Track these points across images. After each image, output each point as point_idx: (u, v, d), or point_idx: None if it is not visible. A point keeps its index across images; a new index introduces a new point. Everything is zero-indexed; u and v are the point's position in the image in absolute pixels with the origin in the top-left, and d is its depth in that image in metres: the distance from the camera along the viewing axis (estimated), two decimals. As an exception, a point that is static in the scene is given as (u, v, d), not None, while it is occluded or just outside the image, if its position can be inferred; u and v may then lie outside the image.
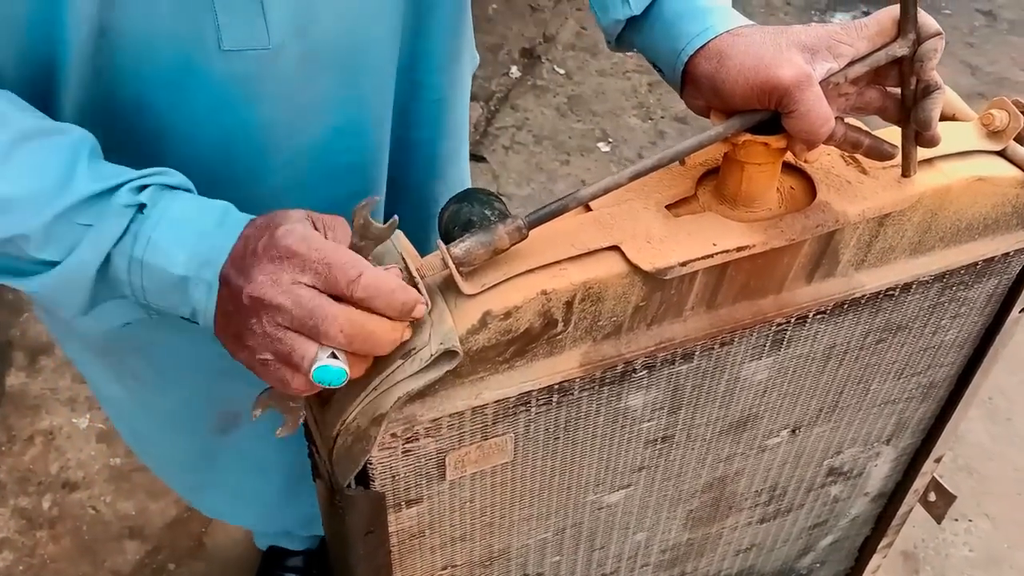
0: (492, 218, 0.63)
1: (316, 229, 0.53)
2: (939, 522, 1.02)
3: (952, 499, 0.99)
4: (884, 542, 1.09)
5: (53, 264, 0.54)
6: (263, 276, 0.50)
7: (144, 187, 0.55)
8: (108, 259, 0.54)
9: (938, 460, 0.97)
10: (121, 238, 0.54)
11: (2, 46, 0.57)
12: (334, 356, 0.50)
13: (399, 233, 0.58)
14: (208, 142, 0.66)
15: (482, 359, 0.58)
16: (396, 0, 0.69)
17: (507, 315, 0.55)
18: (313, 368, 0.50)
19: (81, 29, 0.56)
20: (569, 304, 0.57)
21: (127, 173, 0.55)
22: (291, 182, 0.72)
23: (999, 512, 1.62)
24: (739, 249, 0.57)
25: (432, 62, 0.78)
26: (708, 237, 0.57)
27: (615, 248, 0.57)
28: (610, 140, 2.40)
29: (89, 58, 0.59)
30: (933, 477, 1.00)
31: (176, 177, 0.57)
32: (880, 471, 0.97)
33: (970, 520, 1.62)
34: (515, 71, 2.54)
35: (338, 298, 0.51)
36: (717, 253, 0.56)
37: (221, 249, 0.53)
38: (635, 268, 0.56)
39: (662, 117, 2.49)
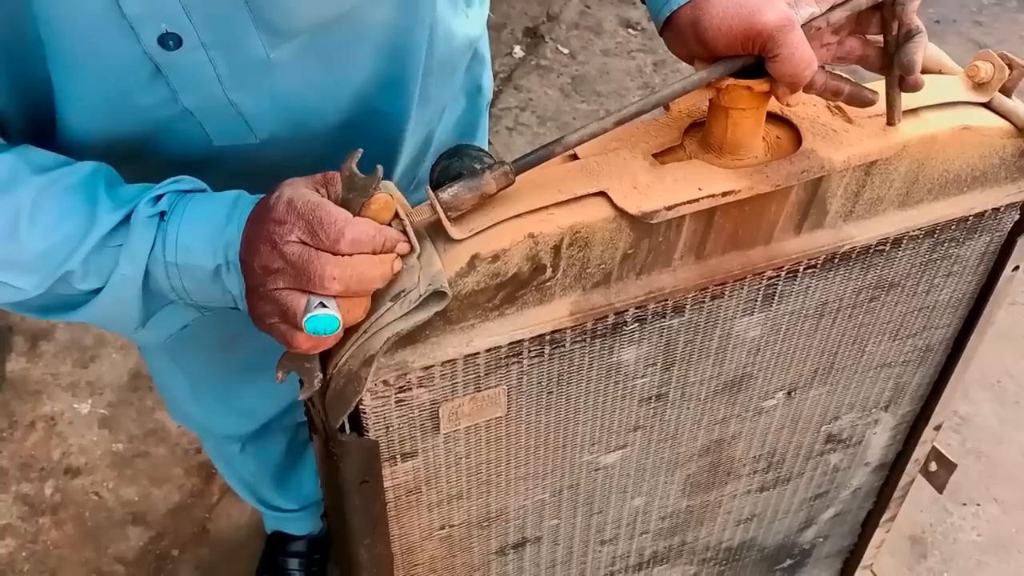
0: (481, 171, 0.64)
1: (312, 183, 0.55)
2: (940, 492, 1.02)
3: (953, 467, 0.99)
4: (887, 515, 1.09)
5: (96, 291, 0.59)
6: (261, 244, 0.53)
7: (160, 196, 0.58)
8: (147, 271, 0.58)
9: (937, 428, 0.97)
10: (152, 248, 0.58)
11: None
12: (323, 305, 0.51)
13: (389, 183, 0.59)
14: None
15: (472, 304, 0.58)
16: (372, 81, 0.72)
17: (495, 258, 0.56)
18: (304, 320, 0.52)
19: None
20: (557, 248, 0.58)
21: (143, 192, 0.59)
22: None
23: (1008, 496, 1.62)
24: (725, 194, 0.58)
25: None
26: (694, 182, 0.58)
27: (602, 194, 0.57)
28: (614, 123, 2.39)
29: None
30: (933, 446, 1.00)
31: (189, 182, 0.60)
32: (880, 439, 0.97)
33: (978, 504, 1.61)
34: (518, 51, 2.54)
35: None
36: (703, 198, 0.57)
37: (237, 231, 0.56)
38: (622, 212, 0.57)
39: (667, 99, 2.48)
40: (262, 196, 0.58)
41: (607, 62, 2.53)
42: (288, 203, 0.53)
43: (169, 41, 0.57)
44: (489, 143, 2.30)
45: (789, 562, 1.13)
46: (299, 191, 0.54)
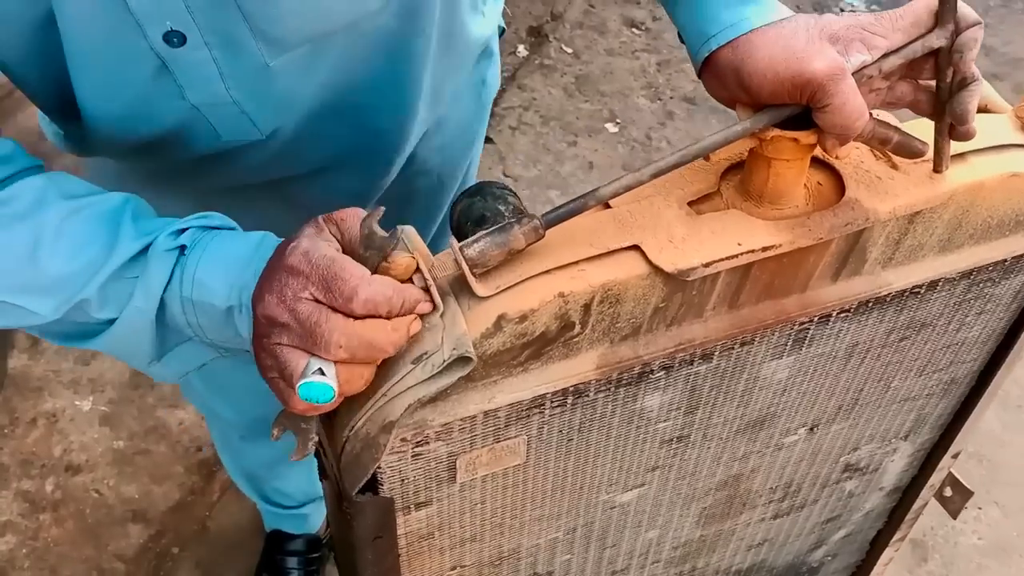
0: (506, 214, 0.61)
1: (328, 232, 0.52)
2: (954, 517, 1.00)
3: (969, 495, 0.97)
4: (897, 535, 1.07)
5: (111, 321, 0.57)
6: (270, 295, 0.50)
7: (183, 230, 0.56)
8: (163, 304, 0.56)
9: (955, 456, 0.95)
10: (169, 282, 0.56)
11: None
12: (321, 372, 0.48)
13: (411, 231, 0.56)
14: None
15: (496, 363, 0.56)
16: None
17: (523, 318, 0.53)
18: (299, 384, 0.49)
19: None
20: (587, 306, 0.55)
21: (168, 225, 0.57)
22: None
23: (1009, 500, 1.61)
24: (765, 249, 0.55)
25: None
26: (732, 236, 0.55)
27: (635, 248, 0.54)
28: (618, 121, 2.36)
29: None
30: (950, 472, 0.98)
31: (216, 219, 0.58)
32: (896, 466, 0.95)
33: (979, 508, 1.61)
34: (522, 50, 2.50)
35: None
36: (742, 253, 0.54)
37: (254, 276, 0.53)
38: (656, 269, 0.54)
39: (671, 97, 2.45)
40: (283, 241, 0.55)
41: (611, 62, 2.48)
42: (304, 254, 0.50)
43: (174, 38, 0.57)
44: (490, 140, 2.26)
45: (797, 579, 1.12)
46: (316, 244, 0.51)
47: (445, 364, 0.51)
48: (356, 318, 0.49)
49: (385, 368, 0.53)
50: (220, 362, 0.97)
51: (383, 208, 0.50)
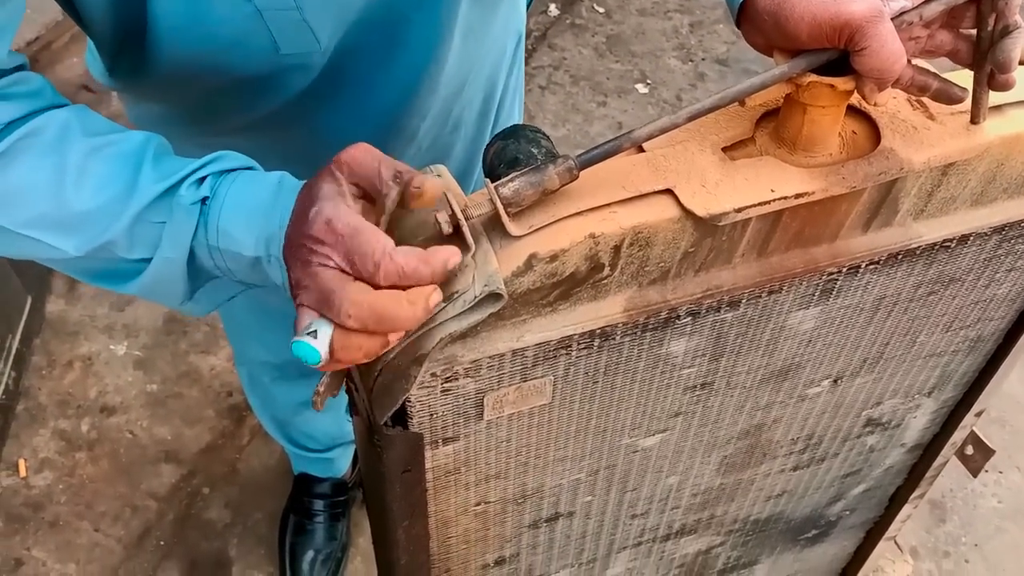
0: (539, 156, 0.61)
1: (347, 186, 0.52)
2: (975, 476, 1.01)
3: (990, 453, 0.98)
4: (917, 492, 1.08)
5: (146, 261, 0.58)
6: (298, 261, 0.51)
7: (203, 178, 0.57)
8: (192, 252, 0.58)
9: (979, 414, 0.95)
10: (195, 232, 0.57)
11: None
12: (313, 335, 0.49)
13: (444, 170, 0.57)
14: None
15: (525, 302, 0.57)
16: None
17: (553, 258, 0.54)
18: (292, 340, 0.50)
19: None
20: (617, 248, 0.56)
21: (187, 166, 0.57)
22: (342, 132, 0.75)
23: (1030, 465, 1.61)
24: (797, 196, 0.55)
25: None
26: (765, 182, 0.55)
27: (668, 192, 0.55)
28: (648, 82, 2.34)
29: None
30: (972, 430, 0.98)
31: (232, 160, 0.59)
32: (919, 422, 0.96)
33: (1000, 472, 1.61)
34: (553, 9, 2.47)
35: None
36: (774, 200, 0.54)
37: (280, 225, 0.54)
38: (688, 213, 0.54)
39: (703, 59, 2.42)
40: (304, 184, 0.55)
41: (643, 22, 2.45)
42: (327, 223, 0.50)
43: None
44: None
45: (814, 532, 1.13)
46: (339, 209, 0.50)
47: (476, 300, 0.52)
48: (382, 287, 0.49)
49: (418, 303, 0.54)
50: (252, 304, 0.99)
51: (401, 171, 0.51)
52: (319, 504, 1.47)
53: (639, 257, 0.57)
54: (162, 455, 1.53)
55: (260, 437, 1.56)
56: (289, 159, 0.78)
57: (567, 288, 0.57)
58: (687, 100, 2.29)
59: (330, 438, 1.40)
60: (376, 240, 0.49)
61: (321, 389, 0.54)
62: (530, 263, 0.54)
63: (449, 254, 0.50)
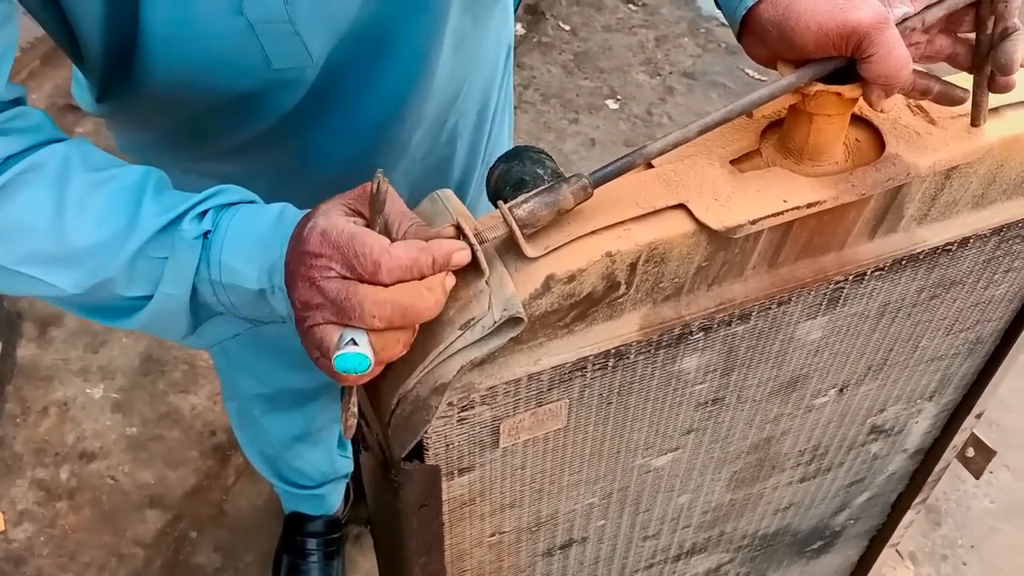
0: (545, 177, 0.60)
1: (345, 206, 0.52)
2: (977, 477, 1.01)
3: (992, 455, 0.98)
4: (919, 498, 1.08)
5: (145, 299, 0.57)
6: (300, 281, 0.50)
7: (205, 212, 0.56)
8: (194, 288, 0.56)
9: (979, 416, 0.96)
10: (197, 268, 0.56)
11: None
12: (354, 343, 0.48)
13: (450, 194, 0.56)
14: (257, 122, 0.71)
15: (543, 324, 0.56)
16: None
17: (571, 279, 0.53)
18: (333, 357, 0.49)
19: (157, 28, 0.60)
20: (633, 266, 0.55)
21: (188, 199, 0.56)
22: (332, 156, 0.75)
23: (1020, 463, 1.63)
24: (810, 205, 0.55)
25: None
26: (777, 193, 0.55)
27: (681, 206, 0.54)
28: (618, 97, 2.36)
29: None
30: (972, 433, 0.99)
31: (233, 193, 0.58)
32: (920, 427, 0.96)
33: (991, 472, 1.62)
34: (519, 28, 2.49)
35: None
36: (788, 210, 0.54)
37: (281, 254, 0.53)
38: (702, 227, 0.54)
39: (670, 72, 2.45)
40: (304, 214, 0.55)
41: (609, 38, 2.48)
42: (322, 235, 0.50)
43: None
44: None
45: (819, 543, 1.13)
46: (333, 220, 0.51)
47: (496, 326, 0.51)
48: (387, 286, 0.49)
49: (434, 335, 0.53)
50: (245, 334, 0.97)
51: (381, 170, 0.50)
52: (312, 543, 1.44)
53: (654, 274, 0.56)
54: (146, 500, 1.49)
55: (247, 476, 1.53)
56: (280, 181, 0.76)
57: (584, 308, 0.56)
58: (658, 114, 2.31)
59: (321, 474, 1.37)
60: (372, 240, 0.49)
61: (348, 415, 0.52)
62: (548, 285, 0.53)
63: (454, 247, 0.50)
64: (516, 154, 0.62)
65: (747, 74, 2.43)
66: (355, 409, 0.52)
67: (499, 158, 0.63)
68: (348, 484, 1.49)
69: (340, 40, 0.68)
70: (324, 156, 0.78)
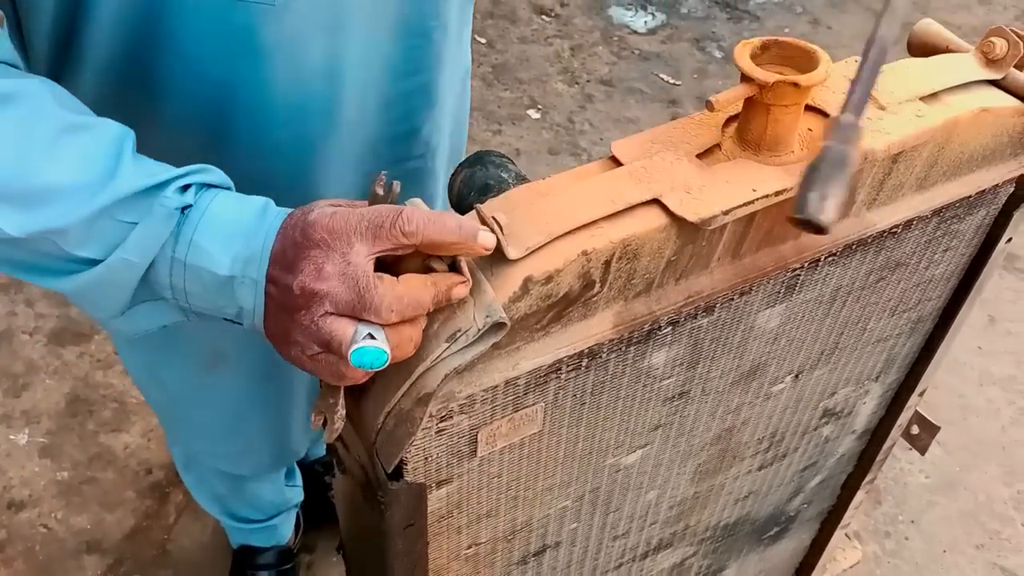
0: (510, 180, 0.60)
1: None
2: (923, 453, 1.05)
3: (936, 430, 1.02)
4: (867, 478, 1.12)
5: (91, 262, 0.52)
6: (308, 265, 0.48)
7: (187, 186, 0.52)
8: (152, 262, 0.52)
9: (922, 394, 1.00)
10: (165, 241, 0.51)
11: None
12: (372, 337, 0.47)
13: (419, 203, 0.55)
14: (205, 95, 0.64)
15: (521, 327, 0.55)
16: None
17: (548, 279, 0.53)
18: (350, 351, 0.47)
19: None
20: (607, 263, 0.55)
21: (171, 170, 0.52)
22: (293, 137, 0.69)
23: (949, 439, 1.70)
24: (778, 193, 0.56)
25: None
26: (747, 183, 0.56)
27: (654, 202, 0.55)
28: (539, 106, 2.38)
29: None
30: (916, 411, 1.03)
31: (216, 175, 0.54)
32: (867, 408, 0.99)
33: (923, 449, 1.69)
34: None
35: (391, 264, 0.49)
36: (758, 199, 0.55)
37: (264, 247, 0.50)
38: (675, 220, 0.54)
39: (588, 80, 2.48)
40: (292, 210, 0.53)
41: (525, 49, 2.51)
42: (332, 216, 0.49)
43: None
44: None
45: (776, 530, 1.15)
46: (327, 211, 0.50)
47: (480, 333, 0.50)
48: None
49: (420, 349, 0.52)
50: (204, 396, 0.93)
51: (384, 173, 0.49)
52: (264, 575, 1.39)
53: (627, 270, 0.57)
54: (83, 546, 1.41)
55: (189, 513, 1.47)
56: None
57: (561, 309, 0.56)
58: (579, 121, 2.34)
59: (273, 506, 1.33)
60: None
61: (336, 418, 0.51)
62: (526, 287, 0.52)
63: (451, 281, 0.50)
64: (478, 160, 0.62)
65: (662, 79, 2.48)
66: (343, 411, 0.51)
67: (461, 163, 0.62)
68: (298, 513, 1.44)
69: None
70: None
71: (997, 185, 0.75)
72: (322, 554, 1.45)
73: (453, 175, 0.62)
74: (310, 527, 1.47)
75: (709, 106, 0.55)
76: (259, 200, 0.54)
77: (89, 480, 1.48)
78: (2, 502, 1.45)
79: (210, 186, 0.54)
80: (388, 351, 0.48)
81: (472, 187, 0.60)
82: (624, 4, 2.75)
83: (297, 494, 1.37)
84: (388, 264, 0.50)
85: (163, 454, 1.52)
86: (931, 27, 0.71)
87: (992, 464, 1.68)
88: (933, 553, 1.55)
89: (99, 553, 1.41)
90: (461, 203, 0.61)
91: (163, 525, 1.45)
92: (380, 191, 0.50)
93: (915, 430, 1.04)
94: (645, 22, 2.70)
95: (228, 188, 0.55)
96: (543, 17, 2.65)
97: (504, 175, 0.60)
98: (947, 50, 0.69)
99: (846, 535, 1.31)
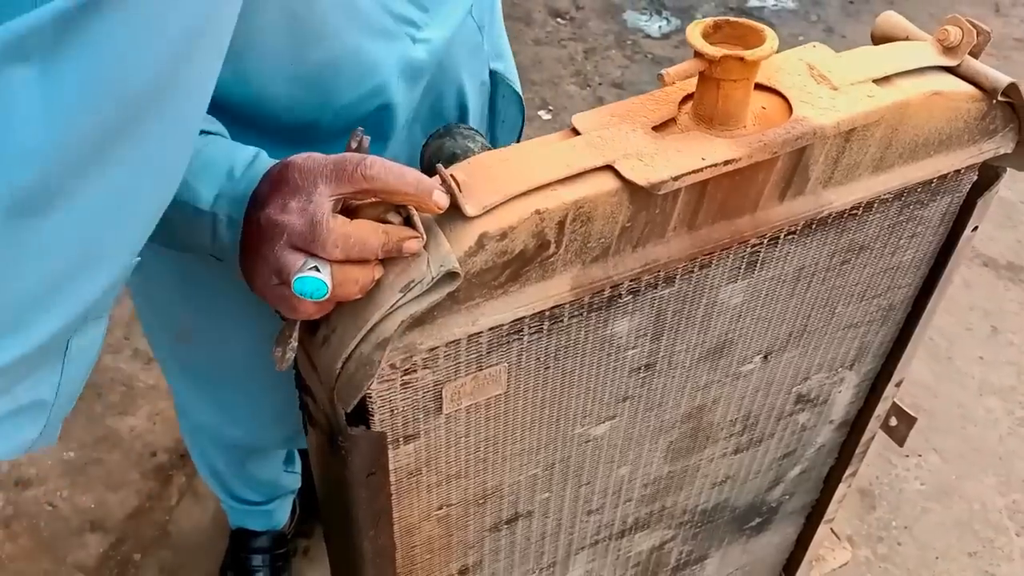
0: (477, 151, 0.64)
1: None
2: (901, 445, 1.07)
3: (913, 421, 1.03)
4: (849, 471, 1.13)
5: None
6: (277, 199, 0.52)
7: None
8: None
9: (898, 384, 1.01)
10: None
11: None
12: (316, 269, 0.50)
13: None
14: None
15: (479, 283, 0.58)
16: None
17: (503, 236, 0.56)
18: (294, 278, 0.50)
19: None
20: (561, 224, 0.58)
21: None
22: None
23: (946, 446, 1.70)
24: (726, 163, 0.59)
25: None
26: (696, 153, 0.59)
27: (608, 167, 0.58)
28: (550, 108, 2.42)
29: None
30: (894, 402, 1.04)
31: (211, 123, 0.59)
32: (844, 397, 1.01)
33: (920, 455, 1.69)
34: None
35: (352, 212, 0.52)
36: (706, 167, 0.58)
37: (247, 190, 0.55)
38: (627, 185, 0.58)
39: (600, 83, 2.52)
40: (279, 160, 0.56)
41: (539, 51, 2.55)
42: (306, 157, 0.52)
43: None
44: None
45: (757, 520, 1.17)
46: (302, 155, 0.53)
47: (434, 282, 0.54)
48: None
49: (375, 298, 0.55)
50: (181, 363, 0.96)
51: (361, 129, 0.53)
52: (258, 559, 1.42)
53: (582, 233, 0.60)
54: (87, 524, 1.45)
55: (190, 496, 1.51)
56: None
57: (517, 268, 0.59)
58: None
59: (270, 489, 1.36)
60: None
61: (287, 349, 0.54)
62: (481, 242, 0.56)
63: (404, 235, 0.53)
64: (447, 131, 0.65)
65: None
66: (295, 343, 0.54)
67: (431, 135, 0.66)
68: (294, 500, 1.48)
69: None
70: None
71: (959, 171, 0.78)
72: (318, 539, 1.48)
73: (424, 146, 0.66)
74: (307, 515, 1.50)
75: (661, 79, 0.58)
76: (252, 148, 0.58)
77: (95, 461, 1.52)
78: (9, 479, 1.49)
79: (207, 132, 0.58)
80: (329, 284, 0.51)
81: (440, 157, 0.64)
82: (639, 8, 2.80)
83: (295, 480, 1.40)
84: (350, 212, 0.53)
85: (168, 438, 1.57)
86: (892, 18, 0.74)
87: (988, 473, 1.68)
88: (925, 559, 1.55)
89: (102, 531, 1.45)
90: (430, 172, 0.64)
91: (165, 507, 1.49)
92: (354, 144, 0.54)
93: (893, 422, 1.06)
94: (659, 27, 2.74)
95: (219, 135, 0.59)
96: (558, 20, 2.70)
97: (471, 145, 0.63)
98: (906, 39, 0.72)
99: (834, 533, 1.32)
